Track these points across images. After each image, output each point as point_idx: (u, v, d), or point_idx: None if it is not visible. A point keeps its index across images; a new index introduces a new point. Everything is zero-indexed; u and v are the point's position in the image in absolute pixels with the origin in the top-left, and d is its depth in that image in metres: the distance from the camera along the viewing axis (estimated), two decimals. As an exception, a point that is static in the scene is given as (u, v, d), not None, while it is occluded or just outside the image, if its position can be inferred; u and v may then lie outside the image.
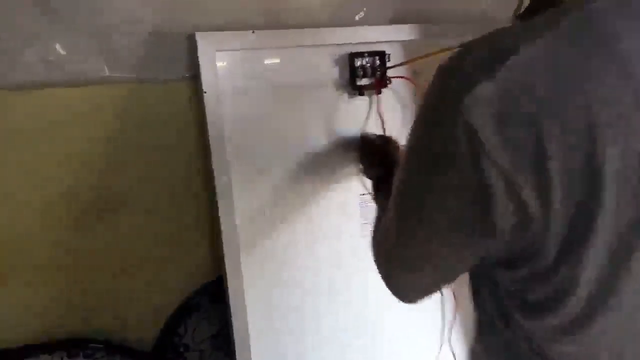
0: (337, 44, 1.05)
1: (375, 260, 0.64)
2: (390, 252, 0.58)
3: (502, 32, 0.47)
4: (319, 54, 1.04)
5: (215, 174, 0.95)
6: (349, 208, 1.13)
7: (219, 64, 0.95)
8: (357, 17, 1.08)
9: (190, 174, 1.02)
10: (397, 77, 1.09)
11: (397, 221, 0.54)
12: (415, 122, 0.51)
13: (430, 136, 0.48)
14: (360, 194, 1.13)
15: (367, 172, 1.05)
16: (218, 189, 0.96)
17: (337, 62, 1.06)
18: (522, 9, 0.61)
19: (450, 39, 1.16)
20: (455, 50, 0.48)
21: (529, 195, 0.42)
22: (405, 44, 1.11)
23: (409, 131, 0.51)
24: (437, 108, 0.47)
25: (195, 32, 0.92)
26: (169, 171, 1.00)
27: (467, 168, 0.44)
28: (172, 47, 0.94)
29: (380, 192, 0.88)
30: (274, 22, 1.00)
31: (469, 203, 0.45)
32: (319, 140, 1.08)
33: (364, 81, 1.08)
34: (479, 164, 0.43)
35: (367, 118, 1.11)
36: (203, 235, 1.06)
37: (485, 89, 0.42)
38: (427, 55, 1.00)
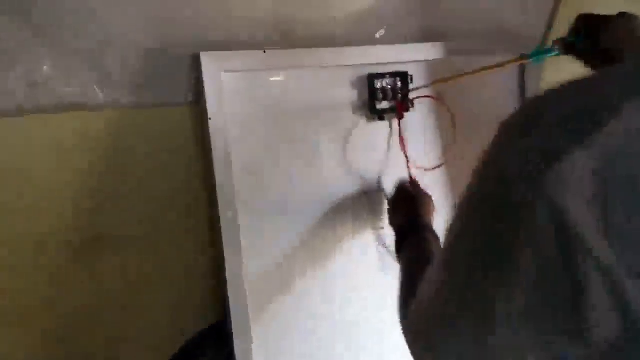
0: (355, 65, 0.95)
1: (408, 330, 0.54)
2: (431, 336, 0.48)
3: (589, 82, 0.37)
4: (336, 75, 0.95)
5: (221, 211, 0.85)
6: (368, 252, 1.02)
7: (226, 86, 0.85)
8: (377, 35, 0.98)
9: (192, 209, 0.91)
10: (423, 96, 0.99)
11: (446, 305, 0.44)
12: (471, 195, 0.40)
13: (496, 217, 0.37)
14: (380, 227, 1.02)
15: (393, 220, 0.94)
16: (223, 227, 0.86)
17: (355, 84, 0.97)
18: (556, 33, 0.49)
19: (477, 56, 1.08)
20: (527, 103, 0.38)
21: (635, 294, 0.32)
22: (429, 64, 1.02)
23: (461, 203, 0.41)
24: (507, 182, 0.36)
25: (200, 52, 0.82)
26: (169, 207, 0.89)
27: (552, 262, 0.33)
28: (174, 68, 0.84)
29: (406, 250, 0.80)
30: (287, 41, 0.90)
31: (549, 297, 0.35)
32: (336, 173, 0.98)
33: (384, 104, 0.98)
34: (571, 258, 0.33)
35: (388, 144, 1.01)
36: (205, 275, 0.95)
37: (577, 161, 0.32)
38: (455, 78, 0.90)
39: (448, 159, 1.06)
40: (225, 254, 0.85)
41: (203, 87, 0.82)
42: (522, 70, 1.14)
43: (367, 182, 1.00)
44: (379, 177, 1.01)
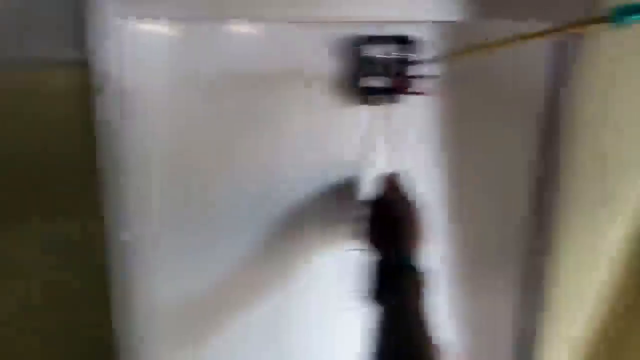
0: (334, 21, 0.65)
1: None
2: None
3: None
4: (304, 34, 0.65)
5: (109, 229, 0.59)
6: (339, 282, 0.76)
7: (132, 41, 0.56)
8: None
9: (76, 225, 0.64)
10: (428, 77, 0.70)
11: None
12: None
13: None
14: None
15: (369, 243, 0.67)
16: (112, 253, 0.60)
17: (333, 49, 0.67)
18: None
19: (518, 21, 0.76)
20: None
21: None
22: (444, 28, 0.71)
23: None
24: None
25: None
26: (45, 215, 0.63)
27: None
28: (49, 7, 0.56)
29: (392, 309, 0.59)
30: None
31: None
32: (299, 172, 0.70)
33: (372, 81, 0.69)
34: None
35: (372, 139, 0.72)
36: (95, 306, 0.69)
37: None
38: (486, 48, 0.59)
39: (451, 164, 0.77)
40: (113, 287, 0.59)
41: (94, 38, 0.54)
42: (563, 45, 0.79)
43: (339, 180, 0.73)
44: (355, 173, 0.73)
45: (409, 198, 0.67)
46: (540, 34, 0.52)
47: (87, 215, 0.61)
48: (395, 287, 0.59)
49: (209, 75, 0.62)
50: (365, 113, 0.71)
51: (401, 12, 0.67)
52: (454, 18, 0.69)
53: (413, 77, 0.70)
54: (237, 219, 0.69)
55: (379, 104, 0.71)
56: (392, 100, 0.71)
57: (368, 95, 0.69)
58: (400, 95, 0.70)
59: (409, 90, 0.70)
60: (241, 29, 0.62)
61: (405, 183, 0.69)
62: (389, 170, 0.70)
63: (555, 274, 0.84)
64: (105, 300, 0.64)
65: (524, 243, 0.85)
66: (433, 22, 0.70)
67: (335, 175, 0.72)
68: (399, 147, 0.72)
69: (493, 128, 0.78)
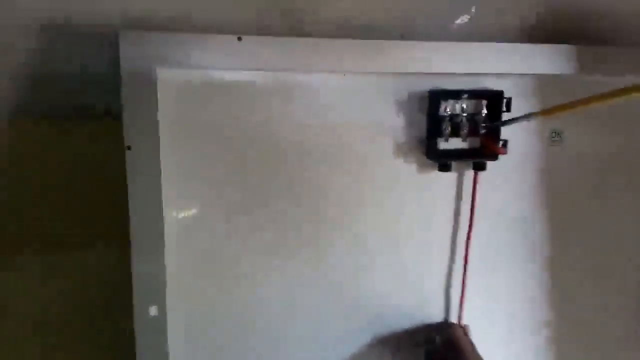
0: (406, 73, 0.54)
1: None
2: None
3: None
4: (368, 87, 0.55)
5: (136, 304, 0.49)
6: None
7: (165, 93, 0.49)
8: (456, 23, 0.57)
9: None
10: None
11: None
12: None
13: None
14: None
15: None
16: (139, 330, 0.50)
17: (403, 105, 0.56)
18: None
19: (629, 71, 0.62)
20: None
21: None
22: (542, 80, 0.59)
23: None
24: None
25: (120, 30, 0.47)
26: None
27: None
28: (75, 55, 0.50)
29: None
30: (284, 25, 0.53)
31: None
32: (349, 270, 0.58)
33: (453, 143, 0.57)
34: None
35: (456, 220, 0.59)
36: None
37: None
38: (591, 102, 0.46)
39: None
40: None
41: (121, 90, 0.47)
42: None
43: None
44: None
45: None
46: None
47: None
48: None
49: (247, 136, 0.53)
50: (444, 180, 0.58)
51: (492, 62, 0.55)
52: (555, 72, 0.56)
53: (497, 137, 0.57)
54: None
55: (461, 172, 0.58)
56: (479, 168, 0.58)
57: (448, 161, 0.57)
58: (488, 160, 0.58)
59: (498, 153, 0.57)
60: (286, 81, 0.53)
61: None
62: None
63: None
64: None
65: None
66: (531, 75, 0.57)
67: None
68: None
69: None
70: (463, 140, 0.57)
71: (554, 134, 0.61)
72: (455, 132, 0.56)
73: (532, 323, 0.64)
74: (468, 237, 0.58)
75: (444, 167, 0.57)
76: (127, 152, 0.48)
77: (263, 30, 0.53)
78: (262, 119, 0.52)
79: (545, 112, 0.51)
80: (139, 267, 0.49)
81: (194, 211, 0.52)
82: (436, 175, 0.58)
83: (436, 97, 0.55)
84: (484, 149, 0.57)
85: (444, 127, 0.56)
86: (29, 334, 0.57)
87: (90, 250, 0.55)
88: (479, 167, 0.58)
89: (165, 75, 0.48)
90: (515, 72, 0.56)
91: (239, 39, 0.48)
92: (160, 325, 0.51)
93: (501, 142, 0.57)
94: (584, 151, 0.62)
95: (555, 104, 0.47)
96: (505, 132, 0.57)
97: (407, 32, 0.57)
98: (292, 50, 0.50)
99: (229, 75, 0.50)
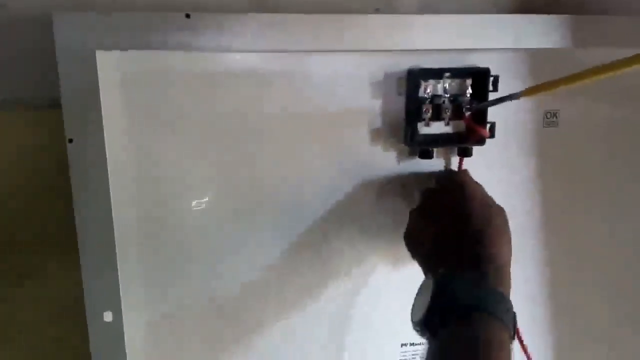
0: (383, 50, 0.49)
1: None
2: None
3: None
4: (342, 68, 0.50)
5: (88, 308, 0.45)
6: None
7: (106, 78, 0.44)
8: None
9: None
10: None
11: None
12: None
13: None
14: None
15: (417, 258, 0.49)
16: (92, 334, 0.47)
17: (379, 87, 0.51)
18: None
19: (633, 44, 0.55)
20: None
21: None
22: (534, 55, 0.53)
23: None
24: None
25: (53, 12, 0.42)
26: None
27: None
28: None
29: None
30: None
31: None
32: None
33: (435, 127, 0.52)
34: None
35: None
36: None
37: None
38: (590, 74, 0.39)
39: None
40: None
41: (59, 78, 0.43)
42: None
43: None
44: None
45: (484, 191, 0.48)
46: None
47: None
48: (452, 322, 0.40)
49: (195, 123, 0.48)
50: (424, 168, 0.53)
51: (474, 37, 0.50)
52: (545, 46, 0.51)
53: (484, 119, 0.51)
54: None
55: (445, 158, 0.53)
56: (463, 154, 0.53)
57: (429, 147, 0.52)
58: (472, 145, 0.52)
59: (485, 138, 0.52)
60: (245, 60, 0.48)
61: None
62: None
63: None
64: None
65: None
66: (516, 50, 0.52)
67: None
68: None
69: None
70: (446, 124, 0.52)
71: (548, 115, 0.56)
72: (437, 116, 0.51)
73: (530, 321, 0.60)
74: (454, 230, 0.54)
75: (425, 154, 0.52)
76: (69, 145, 0.44)
77: (223, 6, 0.48)
78: (211, 106, 0.47)
79: (537, 89, 0.45)
80: (88, 273, 0.45)
81: (149, 210, 0.48)
82: (417, 164, 0.53)
83: (415, 76, 0.50)
84: (470, 133, 0.52)
85: (424, 110, 0.50)
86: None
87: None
88: (465, 153, 0.53)
89: (106, 59, 0.43)
90: (504, 47, 0.51)
91: (187, 16, 0.43)
92: (116, 331, 0.47)
93: (488, 125, 0.52)
94: (582, 133, 0.57)
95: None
96: (492, 114, 0.52)
97: (382, 5, 0.51)
98: (250, 27, 0.45)
99: (178, 58, 0.45)
